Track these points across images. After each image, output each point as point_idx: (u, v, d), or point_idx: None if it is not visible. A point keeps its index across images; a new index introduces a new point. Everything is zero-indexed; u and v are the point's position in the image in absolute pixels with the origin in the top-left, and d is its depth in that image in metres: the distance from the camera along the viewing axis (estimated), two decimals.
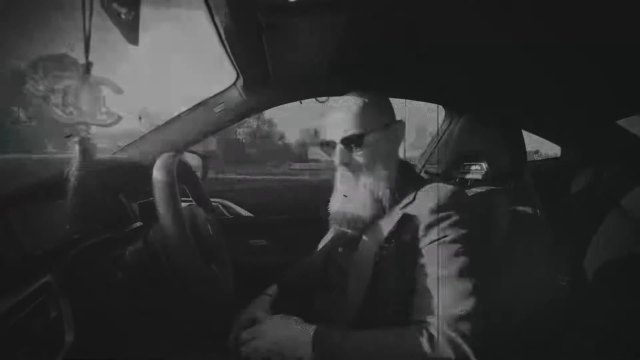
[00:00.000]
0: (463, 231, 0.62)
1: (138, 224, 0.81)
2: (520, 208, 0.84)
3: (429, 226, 0.63)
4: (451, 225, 0.62)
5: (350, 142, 0.70)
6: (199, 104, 1.03)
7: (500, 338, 0.69)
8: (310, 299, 0.79)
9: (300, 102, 1.08)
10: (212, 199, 1.04)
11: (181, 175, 0.73)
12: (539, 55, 0.79)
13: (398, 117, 0.76)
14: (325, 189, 0.81)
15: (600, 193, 1.05)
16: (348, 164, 0.71)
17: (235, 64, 0.87)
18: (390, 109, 0.76)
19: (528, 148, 0.90)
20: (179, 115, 1.02)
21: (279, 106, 1.08)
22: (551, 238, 0.86)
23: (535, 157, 1.70)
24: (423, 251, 0.63)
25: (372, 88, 0.74)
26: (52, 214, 0.56)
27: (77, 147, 0.42)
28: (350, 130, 0.69)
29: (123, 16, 0.33)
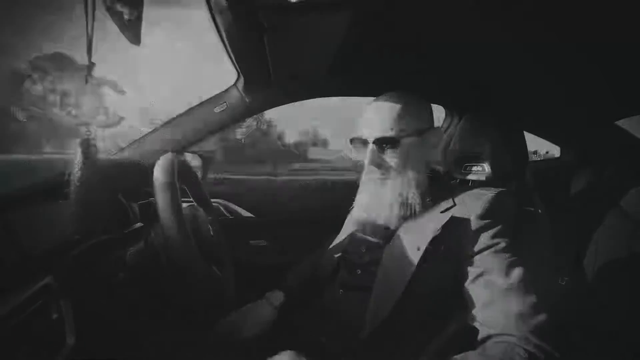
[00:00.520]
0: (510, 239, 0.62)
1: (139, 224, 0.81)
2: (522, 208, 0.84)
3: (477, 232, 0.62)
4: (500, 233, 0.62)
5: (383, 143, 0.68)
6: (200, 104, 1.02)
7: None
8: (320, 300, 0.78)
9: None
10: (212, 200, 1.04)
11: (182, 175, 0.73)
12: (539, 55, 0.79)
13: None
14: (324, 190, 0.81)
15: (600, 193, 1.06)
16: (379, 165, 0.69)
17: (236, 64, 0.87)
18: (428, 114, 0.74)
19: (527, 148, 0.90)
20: (179, 116, 1.02)
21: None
22: (551, 238, 0.86)
23: (534, 157, 1.70)
24: (475, 258, 0.61)
25: (409, 89, 0.73)
26: (53, 214, 0.56)
27: (78, 148, 0.42)
28: (386, 131, 0.67)
29: (126, 17, 0.33)
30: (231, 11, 0.61)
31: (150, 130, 1.01)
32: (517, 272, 0.58)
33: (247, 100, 1.02)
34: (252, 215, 1.44)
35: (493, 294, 0.58)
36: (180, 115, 1.02)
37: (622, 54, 0.75)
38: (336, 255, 0.79)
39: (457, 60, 0.88)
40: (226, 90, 1.01)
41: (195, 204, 0.83)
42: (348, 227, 0.83)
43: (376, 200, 0.71)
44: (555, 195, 1.04)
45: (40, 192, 0.53)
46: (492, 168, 0.81)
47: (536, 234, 0.83)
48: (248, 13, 0.63)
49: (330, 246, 0.85)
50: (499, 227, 0.62)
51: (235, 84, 1.00)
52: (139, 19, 0.35)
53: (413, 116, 0.69)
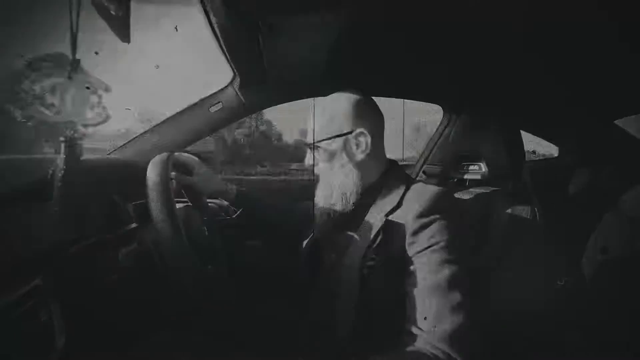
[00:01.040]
0: (451, 236, 0.59)
1: (133, 225, 0.80)
2: (519, 208, 0.83)
3: (415, 233, 0.59)
4: (439, 231, 0.59)
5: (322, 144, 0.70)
6: (195, 104, 1.02)
7: (498, 339, 0.68)
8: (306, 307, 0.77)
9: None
10: (208, 200, 1.03)
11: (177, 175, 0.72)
12: (538, 55, 0.79)
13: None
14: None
15: (598, 193, 1.05)
16: (324, 161, 0.70)
17: (231, 63, 0.87)
18: (359, 115, 0.69)
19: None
20: (174, 115, 1.01)
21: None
22: (549, 238, 0.86)
23: (532, 157, 1.70)
24: (413, 259, 0.59)
25: (367, 88, 0.72)
26: (43, 215, 0.55)
27: (62, 147, 0.41)
28: (321, 133, 0.69)
29: (113, 12, 0.33)
30: (226, 10, 0.61)
31: (144, 130, 1.00)
32: (445, 272, 0.56)
33: (243, 99, 1.01)
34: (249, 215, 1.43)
35: (414, 291, 0.56)
36: (175, 115, 1.01)
37: (622, 54, 0.75)
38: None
39: (456, 60, 0.88)
40: (221, 90, 1.01)
41: (191, 204, 0.82)
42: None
43: (329, 187, 0.71)
44: (553, 195, 1.04)
45: (30, 192, 0.52)
46: (489, 167, 0.80)
47: (534, 234, 0.83)
48: (243, 12, 0.62)
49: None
50: (438, 225, 0.59)
51: (230, 84, 1.00)
52: (126, 15, 0.34)
53: (345, 115, 0.69)
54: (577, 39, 0.70)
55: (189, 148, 1.05)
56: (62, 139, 0.40)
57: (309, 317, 0.74)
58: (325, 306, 0.69)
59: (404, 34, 0.75)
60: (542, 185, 0.99)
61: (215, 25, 0.67)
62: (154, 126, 1.01)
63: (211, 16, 0.65)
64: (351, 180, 0.69)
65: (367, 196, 0.69)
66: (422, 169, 1.29)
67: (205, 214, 0.83)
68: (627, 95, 0.97)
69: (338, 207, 0.69)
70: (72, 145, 0.41)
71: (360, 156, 0.69)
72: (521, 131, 0.89)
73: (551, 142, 1.23)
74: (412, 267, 0.59)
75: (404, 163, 1.37)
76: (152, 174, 0.59)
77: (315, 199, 0.73)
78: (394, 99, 1.12)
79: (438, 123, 1.24)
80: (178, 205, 0.68)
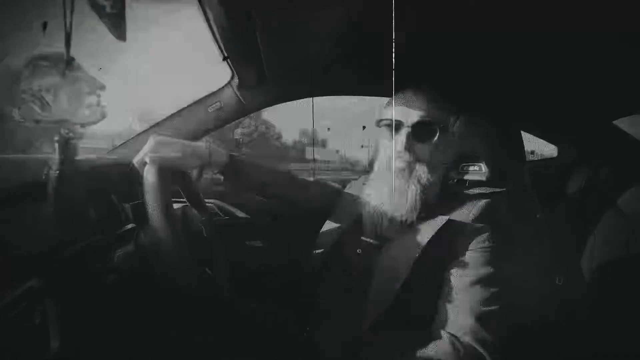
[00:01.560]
0: (498, 243, 0.62)
1: (131, 225, 0.80)
2: (519, 208, 0.83)
3: (468, 237, 0.62)
4: (490, 238, 0.62)
5: (422, 129, 0.65)
6: (193, 103, 1.01)
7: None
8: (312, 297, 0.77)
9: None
10: (206, 200, 1.03)
11: (174, 175, 0.71)
12: (538, 54, 0.79)
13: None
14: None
15: (597, 193, 1.05)
16: (410, 153, 0.66)
17: (229, 62, 0.86)
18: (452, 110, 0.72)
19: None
20: (172, 115, 1.01)
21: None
22: (549, 238, 0.86)
23: (532, 157, 1.69)
24: (465, 259, 0.61)
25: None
26: (40, 215, 0.54)
27: (57, 147, 0.40)
28: (427, 116, 0.65)
29: (108, 10, 0.32)
30: (224, 9, 0.60)
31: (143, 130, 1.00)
32: (487, 268, 0.59)
33: (242, 99, 1.01)
34: (247, 215, 1.42)
35: (459, 286, 0.59)
36: (174, 115, 1.01)
37: (622, 53, 0.75)
38: (323, 250, 0.77)
39: (454, 59, 0.87)
40: (220, 90, 1.00)
41: (189, 204, 0.81)
42: (342, 217, 0.80)
43: (393, 192, 0.68)
44: (552, 195, 1.04)
45: (24, 193, 0.52)
46: (489, 168, 0.80)
47: (533, 233, 0.83)
48: (241, 11, 0.62)
49: (323, 230, 0.81)
50: (490, 231, 0.63)
51: (229, 83, 0.99)
52: (122, 13, 0.34)
53: (445, 109, 0.69)
54: (577, 39, 0.70)
55: None
56: (56, 138, 0.39)
57: (316, 316, 0.74)
58: (339, 304, 0.70)
59: (400, 30, 0.74)
60: (542, 186, 0.98)
61: (213, 24, 0.67)
62: (152, 126, 1.01)
63: (208, 14, 0.64)
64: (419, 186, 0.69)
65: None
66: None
67: (204, 214, 0.82)
68: (627, 95, 0.97)
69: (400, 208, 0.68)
70: (67, 145, 0.40)
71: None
72: (521, 131, 0.89)
73: (551, 143, 1.23)
74: (458, 269, 0.61)
75: None
76: (148, 173, 0.58)
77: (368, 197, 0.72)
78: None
79: None
80: (176, 206, 0.68)
